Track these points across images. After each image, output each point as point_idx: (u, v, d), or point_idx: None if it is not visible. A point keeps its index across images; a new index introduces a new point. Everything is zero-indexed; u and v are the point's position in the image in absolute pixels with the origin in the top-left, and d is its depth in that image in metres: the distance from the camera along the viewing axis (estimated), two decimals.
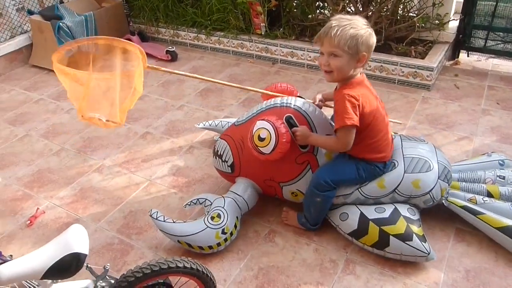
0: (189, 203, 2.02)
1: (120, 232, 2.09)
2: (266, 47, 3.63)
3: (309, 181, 1.90)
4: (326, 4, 3.55)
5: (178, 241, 1.89)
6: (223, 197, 1.99)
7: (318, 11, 3.60)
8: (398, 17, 3.30)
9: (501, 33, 3.23)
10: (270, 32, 3.60)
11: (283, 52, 3.57)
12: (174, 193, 2.30)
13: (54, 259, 1.23)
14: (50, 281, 1.33)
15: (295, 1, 3.61)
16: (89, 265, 1.40)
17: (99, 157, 2.65)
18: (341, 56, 1.67)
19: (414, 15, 3.24)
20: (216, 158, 2.11)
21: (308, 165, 1.90)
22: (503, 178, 1.99)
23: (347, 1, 3.25)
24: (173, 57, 3.80)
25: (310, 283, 1.77)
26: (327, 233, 1.98)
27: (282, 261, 1.88)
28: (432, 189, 1.83)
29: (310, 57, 3.45)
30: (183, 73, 2.15)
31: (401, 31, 3.25)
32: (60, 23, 3.56)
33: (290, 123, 1.84)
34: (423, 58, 3.12)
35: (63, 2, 4.04)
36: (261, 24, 3.57)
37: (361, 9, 3.23)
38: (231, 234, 1.92)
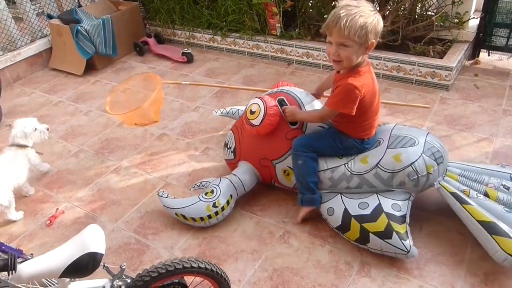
0: (193, 186, 2.32)
1: (137, 232, 2.12)
2: (281, 47, 3.63)
3: None
4: None
5: (176, 213, 2.07)
6: (221, 178, 2.15)
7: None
8: (416, 16, 3.25)
9: None
10: (285, 32, 3.59)
11: (298, 53, 3.56)
12: (189, 194, 2.32)
13: (72, 258, 1.25)
14: (68, 279, 1.36)
15: (311, 1, 3.60)
16: (106, 264, 1.42)
17: (116, 158, 2.69)
18: (351, 46, 1.67)
19: (433, 13, 3.20)
20: (224, 148, 2.32)
21: None
22: (508, 188, 1.86)
23: None
24: (189, 59, 3.83)
25: (324, 285, 1.77)
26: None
27: (296, 263, 1.87)
28: (413, 162, 1.81)
29: (325, 57, 3.43)
30: (196, 83, 2.41)
31: (419, 30, 3.21)
32: (79, 27, 3.63)
33: (281, 104, 2.04)
34: (441, 57, 3.06)
35: (81, 6, 4.11)
36: (277, 25, 3.57)
37: (378, 8, 3.20)
38: (223, 208, 2.05)
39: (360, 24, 1.63)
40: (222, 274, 1.52)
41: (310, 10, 3.59)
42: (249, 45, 3.80)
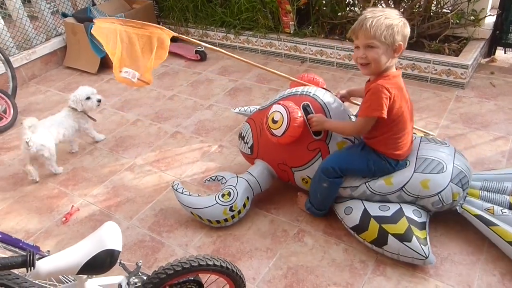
0: (208, 179, 2.21)
1: (151, 230, 2.13)
2: (294, 45, 3.61)
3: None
4: (356, 2, 3.50)
5: (191, 212, 2.05)
6: (237, 176, 2.10)
7: (348, 8, 3.55)
8: (431, 14, 3.22)
9: None
10: (299, 30, 3.58)
11: (312, 51, 3.54)
12: (204, 191, 2.32)
13: (90, 255, 1.26)
14: (85, 276, 1.37)
15: None
16: (122, 262, 1.43)
17: (131, 156, 2.71)
18: (377, 47, 1.65)
19: (448, 11, 3.16)
20: (240, 139, 2.24)
21: (319, 153, 1.95)
22: None
23: None
24: (202, 57, 3.84)
25: (339, 283, 1.76)
26: None
27: (311, 261, 1.87)
28: (441, 191, 1.77)
29: (339, 55, 3.41)
30: (227, 53, 2.38)
31: (434, 28, 3.17)
32: (93, 25, 3.65)
33: (306, 110, 1.92)
34: (457, 55, 3.02)
35: (95, 4, 4.14)
36: (290, 23, 3.56)
37: (392, 6, 3.16)
38: (239, 212, 2.03)
39: (386, 24, 1.62)
40: (237, 272, 1.52)
41: (324, 8, 3.57)
42: (262, 43, 3.80)
